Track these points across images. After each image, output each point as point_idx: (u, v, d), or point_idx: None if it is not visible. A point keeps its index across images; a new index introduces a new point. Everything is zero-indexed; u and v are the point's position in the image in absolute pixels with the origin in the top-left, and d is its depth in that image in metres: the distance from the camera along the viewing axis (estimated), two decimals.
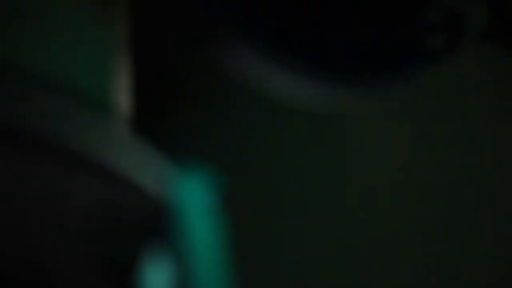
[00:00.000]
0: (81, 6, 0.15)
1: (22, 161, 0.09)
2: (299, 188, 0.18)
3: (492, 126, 0.20)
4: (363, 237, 0.19)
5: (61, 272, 0.10)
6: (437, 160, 0.19)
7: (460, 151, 0.19)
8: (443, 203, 0.19)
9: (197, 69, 0.17)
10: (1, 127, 0.09)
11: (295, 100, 0.19)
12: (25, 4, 0.14)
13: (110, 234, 0.10)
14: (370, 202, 0.19)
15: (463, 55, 0.21)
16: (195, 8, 0.15)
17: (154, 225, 0.11)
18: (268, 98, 0.18)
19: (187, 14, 0.15)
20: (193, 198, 0.11)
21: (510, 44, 0.19)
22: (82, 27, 0.14)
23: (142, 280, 0.11)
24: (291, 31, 0.14)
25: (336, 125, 0.18)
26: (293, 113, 0.18)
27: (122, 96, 0.16)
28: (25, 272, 0.09)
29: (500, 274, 0.19)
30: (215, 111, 0.18)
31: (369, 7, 0.15)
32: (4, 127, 0.09)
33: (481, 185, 0.19)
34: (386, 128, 0.19)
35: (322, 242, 0.18)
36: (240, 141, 0.18)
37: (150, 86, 0.20)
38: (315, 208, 0.18)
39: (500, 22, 0.19)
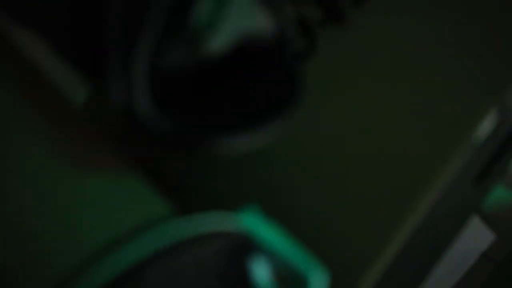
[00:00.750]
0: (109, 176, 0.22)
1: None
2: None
3: None
4: None
5: None
6: None
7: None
8: None
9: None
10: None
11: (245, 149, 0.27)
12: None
13: (233, 268, 0.18)
14: None
15: None
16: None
17: (249, 249, 0.18)
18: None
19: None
20: (255, 222, 0.19)
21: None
22: (115, 192, 0.21)
23: (254, 281, 0.19)
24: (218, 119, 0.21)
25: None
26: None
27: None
28: None
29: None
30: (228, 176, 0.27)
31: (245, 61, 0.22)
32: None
33: None
34: None
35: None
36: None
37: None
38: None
39: (330, 11, 0.27)
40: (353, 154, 0.27)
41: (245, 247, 0.19)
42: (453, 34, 0.26)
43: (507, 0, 0.26)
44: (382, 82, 0.27)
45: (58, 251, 0.18)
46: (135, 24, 0.18)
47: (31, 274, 0.18)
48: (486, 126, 0.25)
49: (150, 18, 0.18)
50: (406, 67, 0.27)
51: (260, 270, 0.19)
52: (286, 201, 0.26)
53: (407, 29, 0.27)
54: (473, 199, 0.33)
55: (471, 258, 0.68)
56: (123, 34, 0.18)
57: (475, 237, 0.68)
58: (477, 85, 0.25)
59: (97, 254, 0.17)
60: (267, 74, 0.22)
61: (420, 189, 0.26)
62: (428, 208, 0.26)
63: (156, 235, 0.17)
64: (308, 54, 0.27)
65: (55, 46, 0.24)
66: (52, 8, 0.22)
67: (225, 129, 0.20)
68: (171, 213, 0.20)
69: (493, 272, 0.69)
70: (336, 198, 0.26)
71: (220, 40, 0.19)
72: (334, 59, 0.28)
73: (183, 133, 0.20)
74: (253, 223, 0.19)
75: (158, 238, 0.17)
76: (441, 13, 0.27)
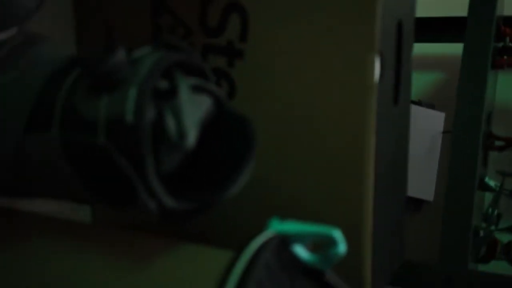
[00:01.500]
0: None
1: None
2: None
3: None
4: None
5: None
6: None
7: None
8: None
9: None
10: None
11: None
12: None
13: (286, 258, 0.27)
14: None
15: None
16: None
17: (288, 242, 0.27)
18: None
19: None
20: (281, 226, 0.28)
21: None
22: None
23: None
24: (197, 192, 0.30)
25: None
26: None
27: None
28: None
29: None
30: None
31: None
32: None
33: None
34: None
35: None
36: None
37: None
38: None
39: None
40: (305, 133, 0.36)
41: (285, 242, 0.28)
42: (321, 28, 0.35)
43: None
44: (295, 75, 0.36)
45: None
46: (138, 164, 0.26)
47: None
48: (376, 68, 0.35)
49: (144, 155, 0.26)
50: (306, 59, 0.36)
51: (302, 251, 0.28)
52: (290, 205, 0.35)
53: (292, 34, 0.36)
54: (401, 112, 0.41)
55: (438, 138, 0.79)
56: (135, 172, 0.26)
57: (433, 122, 0.78)
58: (358, 52, 0.35)
59: None
60: (226, 132, 0.31)
61: (362, 125, 0.35)
62: (374, 134, 0.35)
63: (235, 274, 0.26)
64: (233, 94, 0.36)
65: (64, 199, 0.33)
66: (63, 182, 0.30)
67: (221, 188, 0.29)
68: (231, 252, 0.29)
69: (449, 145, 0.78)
70: (312, 177, 0.36)
71: (191, 136, 0.28)
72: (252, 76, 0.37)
73: (200, 207, 0.28)
74: (280, 227, 0.28)
75: (237, 274, 0.26)
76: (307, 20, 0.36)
